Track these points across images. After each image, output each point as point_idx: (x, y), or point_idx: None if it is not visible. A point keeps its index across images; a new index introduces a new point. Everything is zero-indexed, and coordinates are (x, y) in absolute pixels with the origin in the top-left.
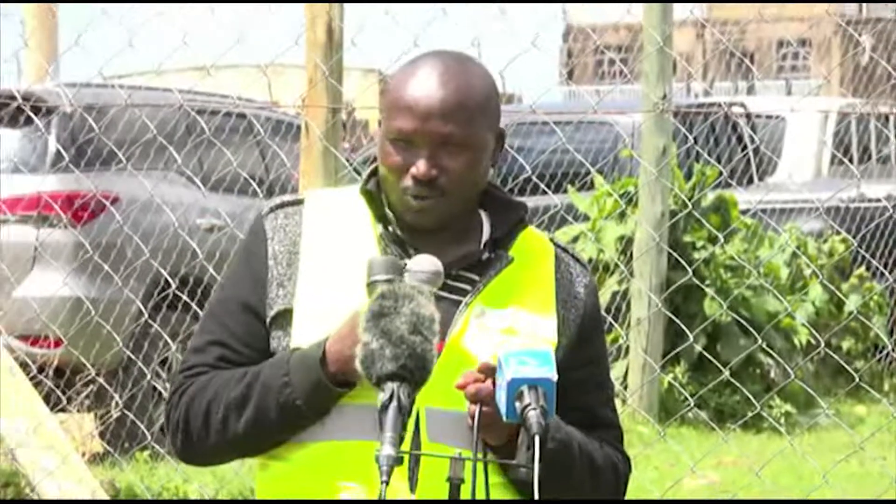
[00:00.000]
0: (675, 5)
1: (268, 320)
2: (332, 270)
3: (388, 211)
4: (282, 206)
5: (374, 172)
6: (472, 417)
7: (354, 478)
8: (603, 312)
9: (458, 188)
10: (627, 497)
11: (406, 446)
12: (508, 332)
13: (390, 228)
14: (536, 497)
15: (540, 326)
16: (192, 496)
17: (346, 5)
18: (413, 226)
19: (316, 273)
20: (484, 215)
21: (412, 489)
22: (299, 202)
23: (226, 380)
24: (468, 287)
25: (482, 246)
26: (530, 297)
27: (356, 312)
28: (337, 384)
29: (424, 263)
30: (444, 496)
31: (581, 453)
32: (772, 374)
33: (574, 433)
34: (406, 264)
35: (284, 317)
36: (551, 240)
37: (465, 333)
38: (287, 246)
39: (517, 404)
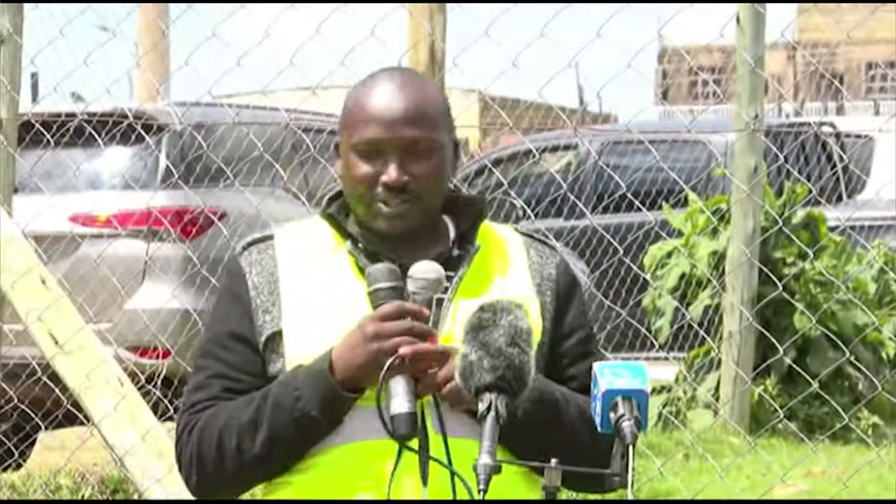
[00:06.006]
0: (767, 28)
1: (261, 347)
2: (312, 290)
3: (350, 228)
4: (252, 243)
5: (334, 198)
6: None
7: (369, 477)
8: (696, 326)
9: (428, 192)
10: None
11: (416, 442)
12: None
13: (360, 244)
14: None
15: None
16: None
17: (447, 28)
18: (385, 233)
19: (298, 294)
20: (447, 218)
21: (424, 481)
22: (269, 238)
23: (233, 408)
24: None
25: (451, 244)
26: (507, 281)
27: (360, 323)
28: (347, 391)
29: (425, 269)
30: (451, 486)
31: (567, 402)
32: (859, 387)
33: (556, 387)
34: (399, 266)
35: (275, 339)
36: (515, 229)
37: (454, 328)
38: (265, 277)
39: (611, 415)
